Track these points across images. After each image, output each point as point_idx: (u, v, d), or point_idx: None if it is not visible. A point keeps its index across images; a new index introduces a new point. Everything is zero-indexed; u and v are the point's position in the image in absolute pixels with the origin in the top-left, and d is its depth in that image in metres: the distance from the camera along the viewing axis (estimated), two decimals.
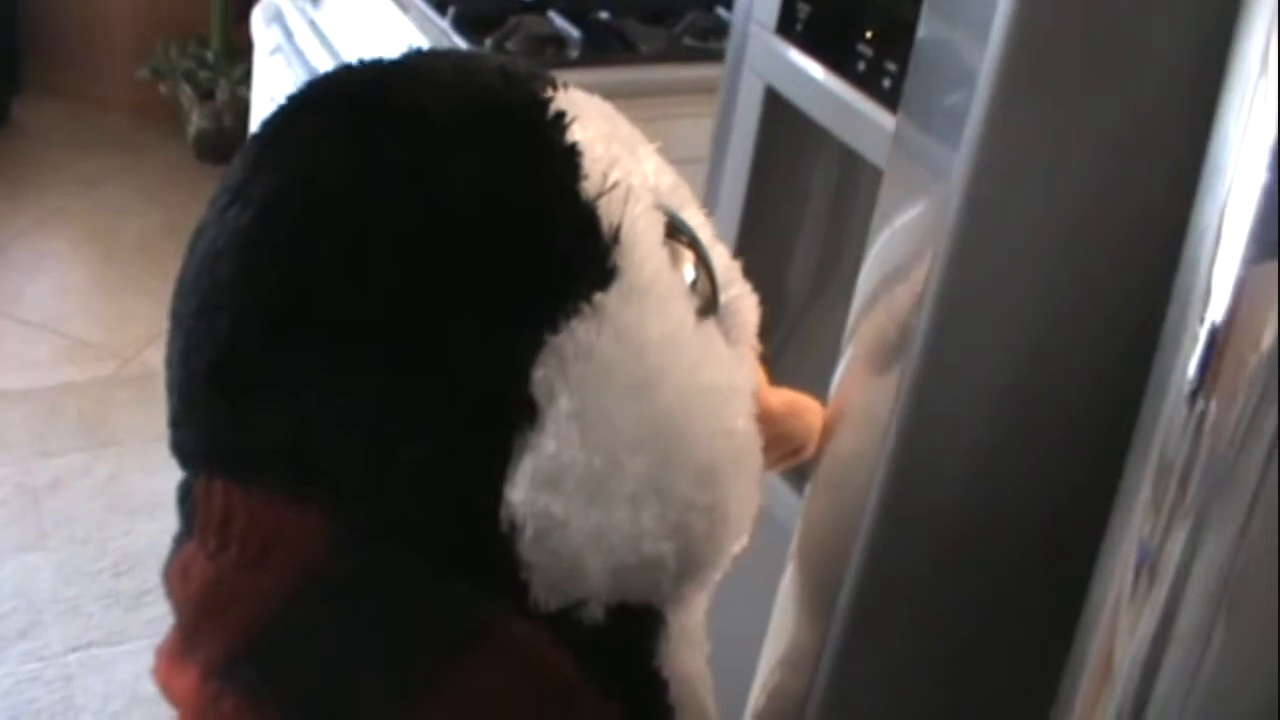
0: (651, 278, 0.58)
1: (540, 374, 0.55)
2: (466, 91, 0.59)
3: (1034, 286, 0.60)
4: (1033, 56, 0.57)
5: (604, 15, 2.07)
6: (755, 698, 0.76)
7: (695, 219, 0.64)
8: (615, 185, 0.58)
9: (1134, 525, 0.54)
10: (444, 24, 1.99)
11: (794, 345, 1.23)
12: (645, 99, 1.76)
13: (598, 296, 0.56)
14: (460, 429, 0.55)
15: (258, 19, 2.65)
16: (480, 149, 0.57)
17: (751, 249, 1.27)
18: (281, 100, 0.62)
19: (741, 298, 0.65)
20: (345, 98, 0.60)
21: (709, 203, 1.28)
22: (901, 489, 0.63)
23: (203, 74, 3.62)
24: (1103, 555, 0.56)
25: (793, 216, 1.27)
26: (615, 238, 0.57)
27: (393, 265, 0.55)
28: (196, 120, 3.62)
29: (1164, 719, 0.53)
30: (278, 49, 2.49)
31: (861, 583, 0.66)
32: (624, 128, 0.64)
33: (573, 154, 0.58)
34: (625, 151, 0.61)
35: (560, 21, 2.01)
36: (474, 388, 0.55)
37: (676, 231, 0.62)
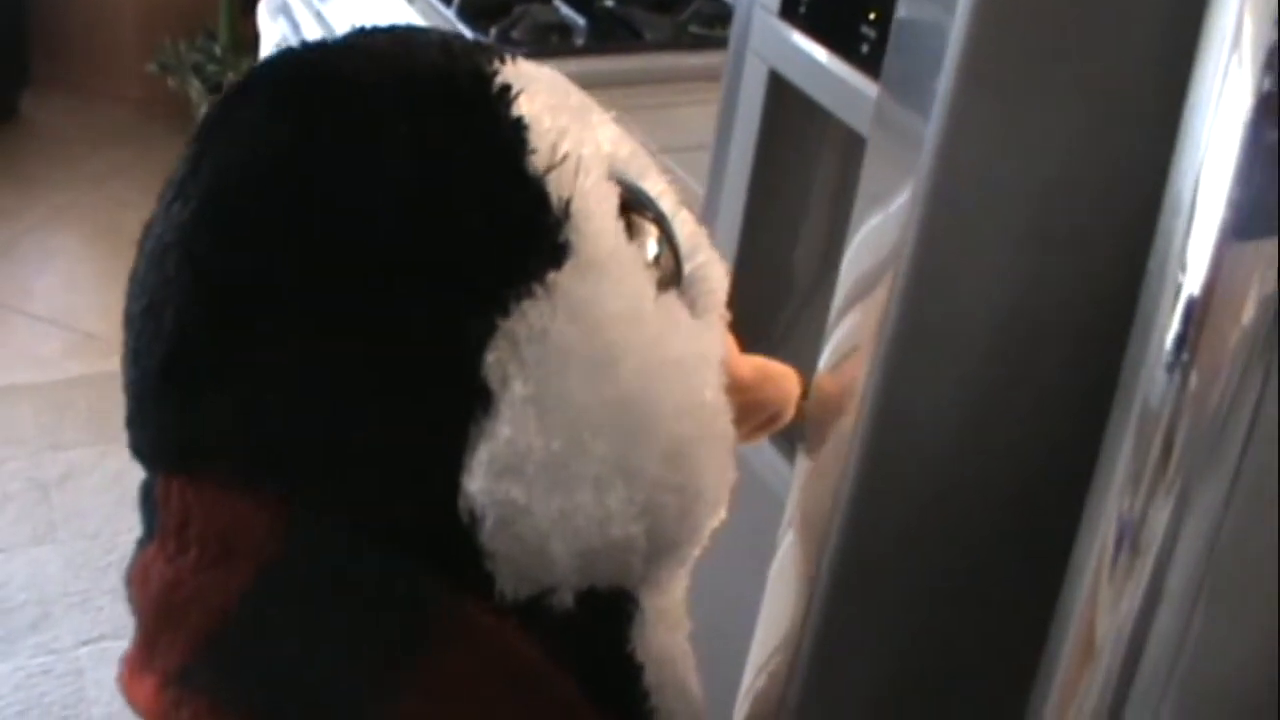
0: (607, 253, 0.56)
1: (492, 358, 0.53)
2: (408, 67, 0.57)
3: (1009, 260, 0.60)
4: (1001, 34, 0.56)
5: (609, 3, 2.07)
6: (752, 678, 0.75)
7: (656, 187, 0.62)
8: (565, 158, 0.56)
9: (1112, 500, 0.53)
10: (449, 13, 1.99)
11: (800, 327, 1.23)
12: (651, 87, 1.76)
13: (550, 275, 0.54)
14: (412, 417, 0.54)
15: (264, 12, 2.65)
16: (423, 125, 0.55)
17: (757, 233, 1.28)
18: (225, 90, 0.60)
19: (708, 264, 0.63)
20: (284, 80, 0.59)
21: (714, 187, 1.27)
22: (878, 461, 0.63)
23: (211, 68, 3.62)
24: (1081, 531, 0.56)
25: (798, 199, 1.26)
26: (566, 212, 0.55)
27: (336, 248, 0.53)
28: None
29: (1150, 693, 0.53)
30: (284, 41, 2.49)
31: (840, 558, 0.65)
32: (575, 96, 0.61)
33: (519, 127, 0.56)
34: (576, 122, 0.59)
35: (565, 9, 2.00)
36: (424, 375, 0.54)
37: (636, 202, 0.60)
